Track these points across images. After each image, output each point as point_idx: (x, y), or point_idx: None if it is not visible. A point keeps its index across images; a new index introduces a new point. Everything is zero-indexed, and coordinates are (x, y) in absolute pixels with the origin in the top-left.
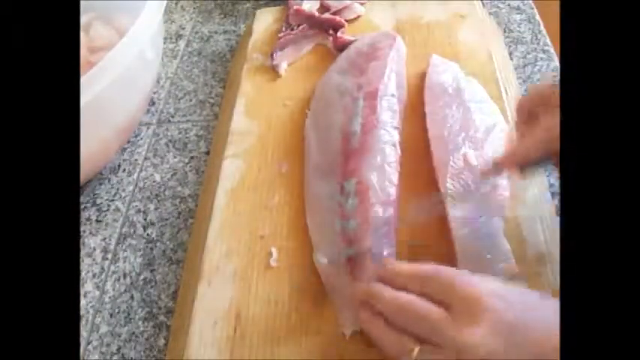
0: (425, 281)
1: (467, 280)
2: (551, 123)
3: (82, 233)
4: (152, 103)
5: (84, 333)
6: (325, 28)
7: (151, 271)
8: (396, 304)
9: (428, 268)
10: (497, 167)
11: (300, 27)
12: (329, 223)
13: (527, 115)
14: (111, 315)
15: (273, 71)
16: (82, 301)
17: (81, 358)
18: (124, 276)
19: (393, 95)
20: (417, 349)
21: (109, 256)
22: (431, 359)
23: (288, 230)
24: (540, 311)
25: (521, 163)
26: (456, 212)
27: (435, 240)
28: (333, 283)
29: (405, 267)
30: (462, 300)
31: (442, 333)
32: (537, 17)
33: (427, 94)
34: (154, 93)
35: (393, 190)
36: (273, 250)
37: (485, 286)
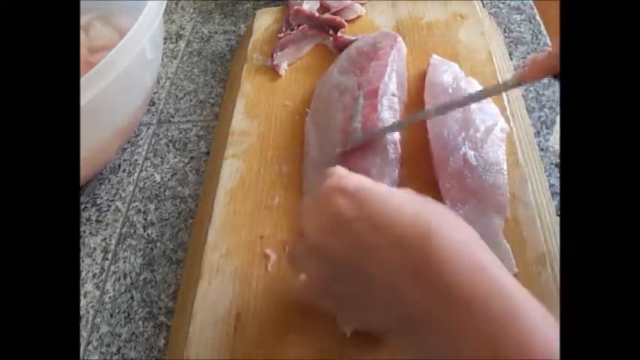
0: None
1: (344, 174)
2: None
3: (82, 233)
4: (152, 103)
5: (84, 333)
6: (325, 28)
7: (151, 271)
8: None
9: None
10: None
11: (300, 27)
12: None
13: None
14: (111, 315)
15: (273, 71)
16: (82, 301)
17: (81, 358)
18: (124, 276)
19: (393, 95)
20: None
21: (109, 256)
22: (297, 248)
23: (288, 230)
24: (400, 205)
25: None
26: (455, 212)
27: None
28: None
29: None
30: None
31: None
32: (537, 17)
33: (427, 94)
34: (154, 93)
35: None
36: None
37: (351, 180)
